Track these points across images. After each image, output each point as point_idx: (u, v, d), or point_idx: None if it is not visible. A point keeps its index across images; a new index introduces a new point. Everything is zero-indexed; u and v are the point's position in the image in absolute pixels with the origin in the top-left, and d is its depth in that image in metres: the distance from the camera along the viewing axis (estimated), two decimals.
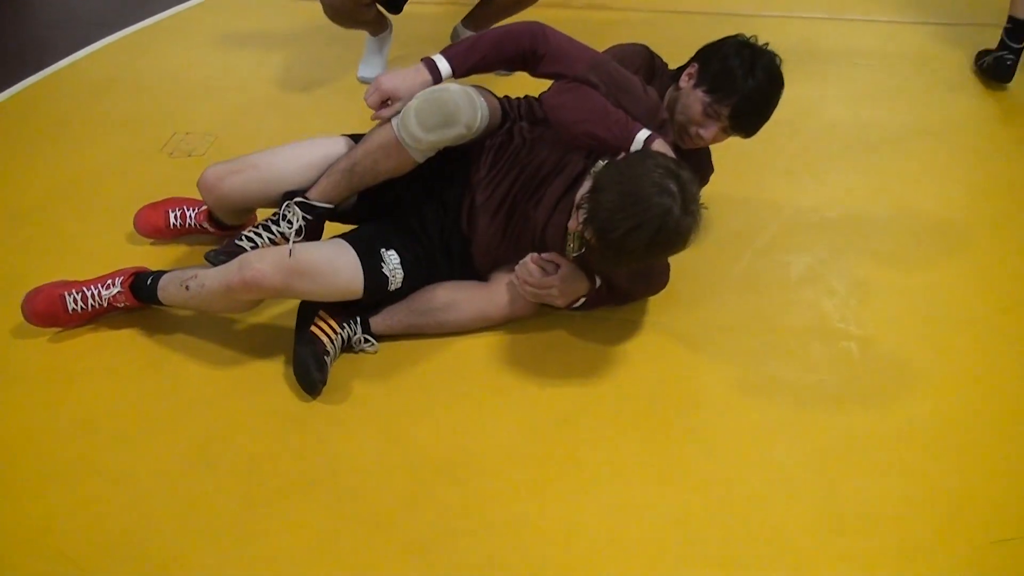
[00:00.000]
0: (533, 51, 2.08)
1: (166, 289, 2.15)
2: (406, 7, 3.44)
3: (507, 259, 2.20)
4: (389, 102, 2.07)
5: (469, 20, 3.52)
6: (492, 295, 2.22)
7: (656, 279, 2.24)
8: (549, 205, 2.13)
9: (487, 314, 2.22)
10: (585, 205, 1.90)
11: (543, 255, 2.10)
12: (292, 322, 2.16)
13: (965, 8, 4.09)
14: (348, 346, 2.15)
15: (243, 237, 2.12)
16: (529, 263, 2.09)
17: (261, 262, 1.98)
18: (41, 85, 3.49)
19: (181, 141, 3.04)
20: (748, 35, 2.27)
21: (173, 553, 1.71)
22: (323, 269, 2.03)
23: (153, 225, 2.53)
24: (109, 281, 2.19)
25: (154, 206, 2.55)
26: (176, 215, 2.52)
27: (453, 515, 1.78)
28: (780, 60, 2.23)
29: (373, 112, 2.08)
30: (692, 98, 2.20)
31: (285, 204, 2.11)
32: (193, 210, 2.51)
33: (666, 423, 1.98)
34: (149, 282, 2.17)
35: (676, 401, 2.05)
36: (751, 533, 1.74)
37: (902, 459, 1.91)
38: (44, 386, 2.09)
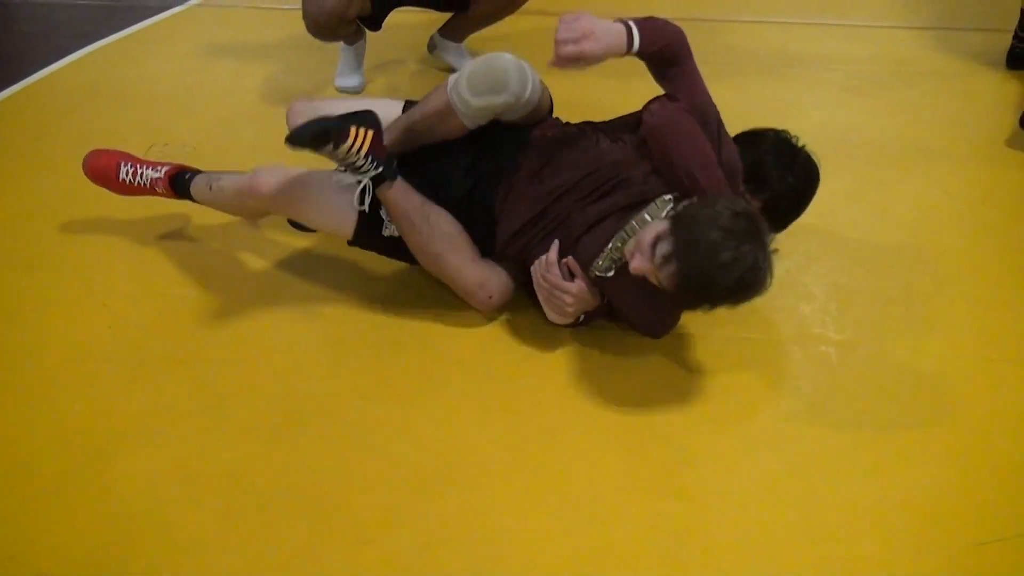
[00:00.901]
0: (681, 56, 2.10)
1: (197, 184, 2.40)
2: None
3: (527, 252, 2.16)
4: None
5: (447, 29, 3.52)
6: (489, 270, 2.20)
7: (664, 323, 2.16)
8: (595, 216, 2.08)
9: (468, 281, 2.19)
10: (670, 244, 1.82)
11: (570, 258, 2.08)
12: (268, 330, 2.14)
13: (943, 12, 4.12)
14: (353, 170, 2.12)
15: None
16: (556, 259, 2.08)
17: (270, 174, 2.20)
18: (19, 96, 3.47)
19: (160, 152, 3.01)
20: (785, 133, 2.31)
21: (152, 569, 1.69)
22: (313, 206, 2.22)
23: (102, 170, 2.51)
24: (159, 165, 2.46)
25: (107, 152, 2.53)
26: (128, 170, 2.48)
27: (436, 530, 1.76)
28: (818, 161, 2.26)
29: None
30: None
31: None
32: (150, 170, 2.46)
33: (647, 433, 1.98)
34: (187, 177, 2.41)
35: (657, 411, 2.04)
36: (733, 541, 1.74)
37: (881, 463, 1.91)
38: (20, 402, 2.07)
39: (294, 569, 1.69)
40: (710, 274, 1.79)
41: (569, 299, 2.08)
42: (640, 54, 2.05)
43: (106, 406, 2.05)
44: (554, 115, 2.34)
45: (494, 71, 2.09)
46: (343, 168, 2.13)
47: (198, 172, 2.45)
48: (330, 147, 2.04)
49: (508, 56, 2.11)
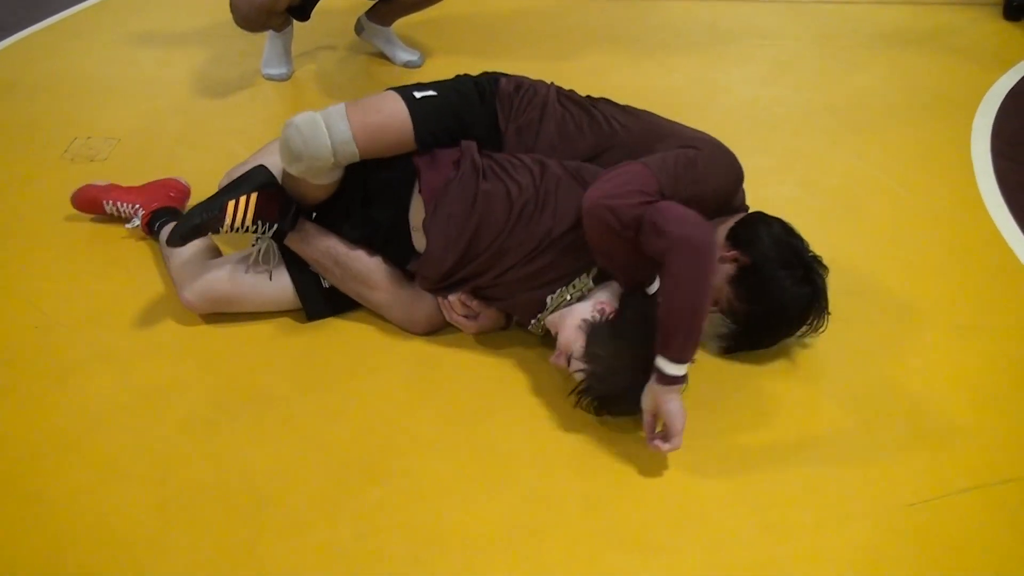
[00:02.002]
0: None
1: (161, 239, 2.36)
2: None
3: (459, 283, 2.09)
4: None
5: (373, 13, 3.47)
6: (412, 301, 2.14)
7: None
8: (526, 275, 2.00)
9: (392, 305, 2.15)
10: (583, 368, 1.88)
11: (472, 303, 2.09)
12: (198, 325, 2.11)
13: None
14: (250, 233, 2.12)
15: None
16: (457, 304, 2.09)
17: (188, 291, 2.16)
18: None
19: (83, 146, 2.94)
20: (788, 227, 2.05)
21: (87, 569, 1.65)
22: (245, 295, 2.17)
23: (90, 204, 2.54)
24: (138, 207, 2.48)
25: (90, 188, 2.53)
26: (111, 206, 2.52)
27: (375, 516, 1.75)
28: (826, 272, 2.02)
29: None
30: (722, 285, 1.98)
31: (258, 237, 2.15)
32: (127, 207, 2.49)
33: (578, 412, 1.97)
34: (156, 226, 2.42)
35: None
36: (665, 513, 1.75)
37: (812, 431, 1.93)
38: None
39: (231, 561, 1.66)
40: (614, 395, 1.87)
41: (472, 327, 2.12)
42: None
43: (35, 407, 2.00)
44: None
45: (285, 140, 2.00)
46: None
47: (166, 222, 2.40)
48: (211, 232, 2.06)
49: (300, 119, 1.99)
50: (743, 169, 2.05)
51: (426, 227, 2.04)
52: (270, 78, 3.40)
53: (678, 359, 1.73)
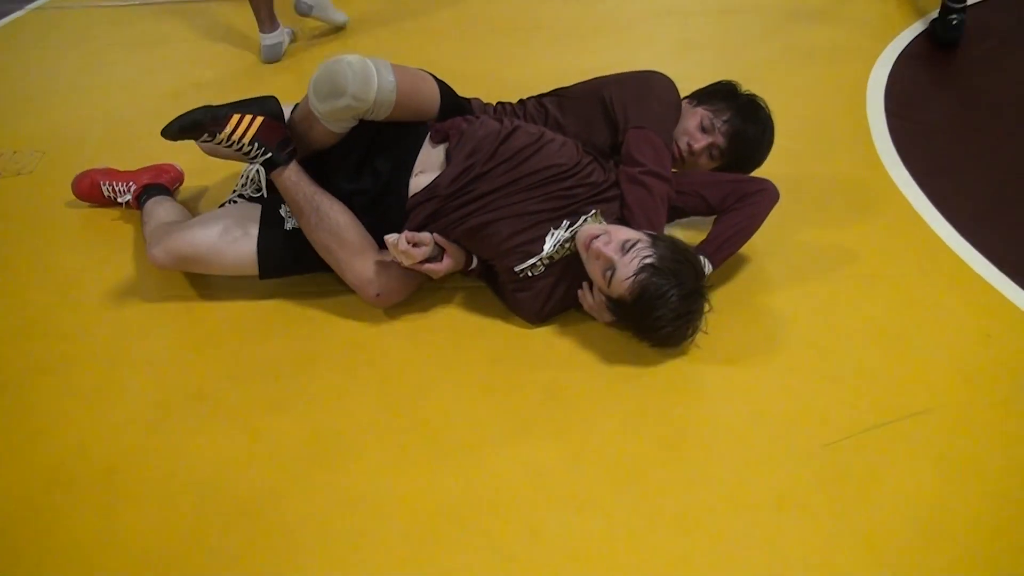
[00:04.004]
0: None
1: (144, 208, 2.43)
2: None
3: (437, 218, 2.10)
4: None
5: None
6: (365, 261, 2.09)
7: (542, 315, 2.13)
8: (524, 211, 2.04)
9: (351, 266, 2.09)
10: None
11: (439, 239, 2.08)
12: (132, 326, 2.07)
13: None
14: (241, 155, 2.10)
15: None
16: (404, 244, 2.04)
17: (156, 247, 2.15)
18: None
19: (9, 160, 2.86)
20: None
21: (38, 572, 1.61)
22: (204, 255, 2.13)
23: (88, 194, 2.57)
24: (131, 183, 2.53)
25: (92, 173, 2.58)
26: (107, 187, 2.55)
27: (319, 497, 1.73)
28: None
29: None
30: (691, 113, 2.34)
31: (248, 168, 2.28)
32: (122, 185, 2.53)
33: (518, 383, 1.97)
34: (143, 199, 2.46)
35: (524, 361, 2.04)
36: (605, 474, 1.76)
37: (728, 382, 1.96)
38: None
39: (178, 554, 1.63)
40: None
41: (441, 271, 2.10)
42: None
43: None
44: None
45: (333, 74, 1.99)
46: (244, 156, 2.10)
47: (152, 195, 2.47)
48: (206, 136, 2.00)
49: (352, 58, 2.01)
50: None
51: (450, 151, 2.11)
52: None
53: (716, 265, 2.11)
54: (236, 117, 2.02)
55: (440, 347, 2.09)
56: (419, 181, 2.12)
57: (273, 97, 2.09)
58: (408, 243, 2.01)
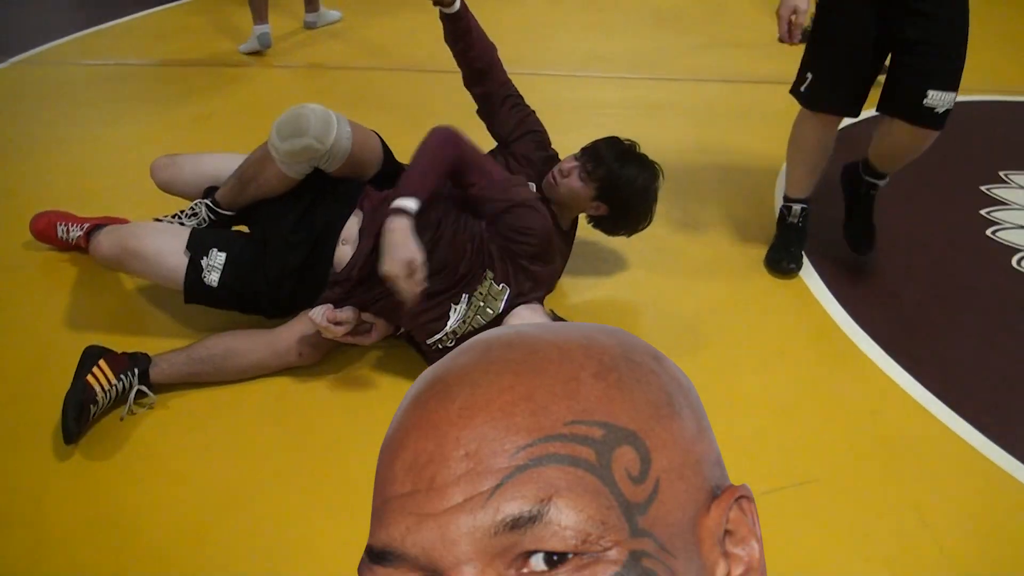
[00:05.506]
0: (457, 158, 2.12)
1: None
2: None
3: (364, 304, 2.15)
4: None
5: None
6: (273, 343, 2.16)
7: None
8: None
9: (266, 362, 2.16)
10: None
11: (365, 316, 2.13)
12: (59, 376, 2.07)
13: (686, 67, 4.43)
14: (123, 398, 2.04)
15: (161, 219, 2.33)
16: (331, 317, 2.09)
17: (105, 239, 2.17)
18: None
19: None
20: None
21: None
22: (149, 255, 2.14)
23: (44, 232, 2.61)
24: (86, 225, 2.59)
25: (48, 215, 2.62)
26: (63, 229, 2.60)
27: (238, 540, 1.75)
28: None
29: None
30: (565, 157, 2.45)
31: (197, 201, 2.33)
32: (77, 226, 2.58)
33: None
34: (95, 231, 2.40)
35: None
36: None
37: None
38: None
39: None
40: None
41: (369, 342, 2.17)
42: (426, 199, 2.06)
43: None
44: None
45: (297, 117, 2.13)
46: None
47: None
48: (97, 408, 1.97)
49: (315, 106, 2.16)
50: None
51: (362, 229, 2.16)
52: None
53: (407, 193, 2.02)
54: (91, 379, 1.98)
55: (356, 400, 2.13)
56: (342, 253, 2.18)
57: (86, 348, 2.06)
58: (329, 321, 2.06)
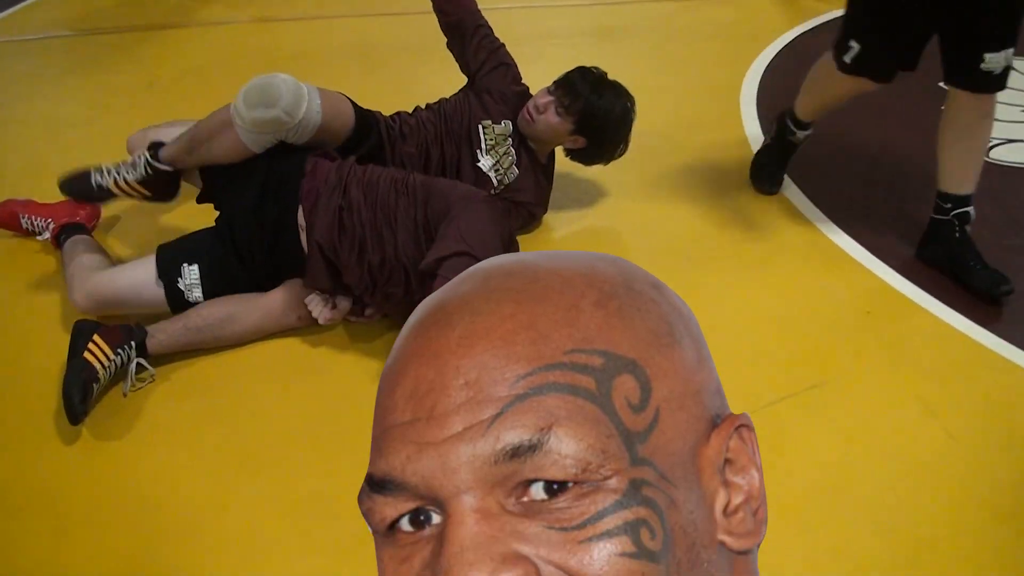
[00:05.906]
0: None
1: (64, 249, 2.31)
2: None
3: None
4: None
5: None
6: (271, 308, 2.12)
7: None
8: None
9: (264, 327, 2.13)
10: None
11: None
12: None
13: None
14: (123, 372, 1.99)
15: (100, 168, 2.24)
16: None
17: (79, 292, 2.08)
18: None
19: None
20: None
21: None
22: (127, 297, 2.09)
23: (7, 224, 2.49)
24: (49, 221, 2.44)
25: (11, 203, 2.50)
26: (26, 220, 2.48)
27: (262, 502, 1.72)
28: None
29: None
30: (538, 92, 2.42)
31: (139, 153, 2.22)
32: (40, 220, 2.46)
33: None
34: (62, 239, 2.36)
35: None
36: None
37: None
38: None
39: (134, 570, 1.60)
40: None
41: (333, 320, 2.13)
42: None
43: None
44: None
45: (267, 86, 2.04)
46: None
47: (70, 235, 2.36)
48: (99, 385, 1.91)
49: (287, 77, 2.08)
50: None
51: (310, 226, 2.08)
52: None
53: None
54: (87, 355, 1.91)
55: (365, 364, 2.09)
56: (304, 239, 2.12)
57: (80, 322, 2.00)
58: (326, 320, 2.08)
